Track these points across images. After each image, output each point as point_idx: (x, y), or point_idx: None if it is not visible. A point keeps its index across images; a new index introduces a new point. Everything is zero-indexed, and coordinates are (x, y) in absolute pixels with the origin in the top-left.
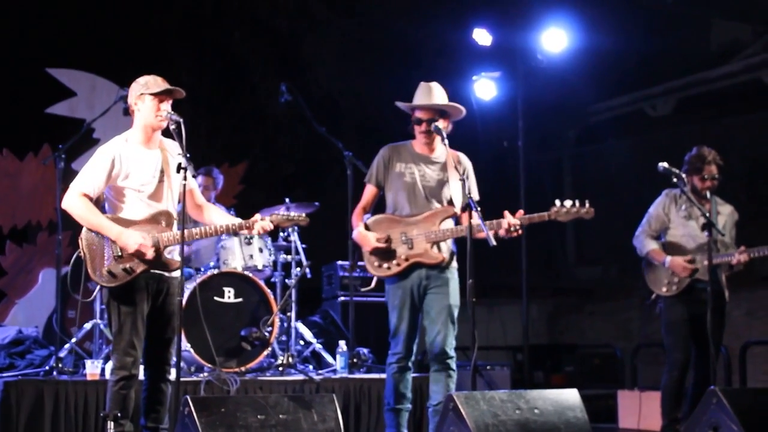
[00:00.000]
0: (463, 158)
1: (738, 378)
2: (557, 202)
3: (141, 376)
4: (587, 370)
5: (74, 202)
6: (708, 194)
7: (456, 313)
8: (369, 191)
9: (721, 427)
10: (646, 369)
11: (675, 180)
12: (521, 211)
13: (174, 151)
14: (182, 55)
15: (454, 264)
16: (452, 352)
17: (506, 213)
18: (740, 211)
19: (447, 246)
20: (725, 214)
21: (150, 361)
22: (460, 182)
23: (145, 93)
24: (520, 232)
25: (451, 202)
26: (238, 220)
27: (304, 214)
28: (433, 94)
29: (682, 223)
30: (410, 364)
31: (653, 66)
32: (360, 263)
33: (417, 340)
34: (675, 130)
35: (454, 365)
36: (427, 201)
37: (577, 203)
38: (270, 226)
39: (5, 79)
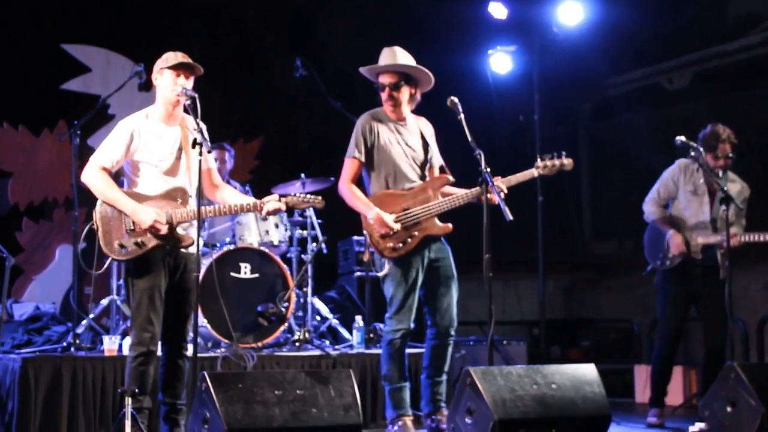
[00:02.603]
0: (428, 123)
1: (756, 353)
2: (538, 158)
3: (159, 351)
4: (604, 344)
5: (92, 175)
6: (721, 172)
7: (457, 282)
8: (354, 165)
9: (739, 402)
10: None
11: (692, 153)
12: (498, 177)
13: (192, 127)
14: (197, 30)
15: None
16: (455, 325)
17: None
18: (755, 185)
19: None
20: (734, 191)
21: (167, 336)
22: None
23: (164, 67)
24: (505, 193)
25: (431, 165)
26: (250, 200)
27: (320, 197)
28: (396, 56)
29: (687, 197)
30: None
31: (670, 39)
32: (371, 249)
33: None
34: (692, 103)
35: (454, 337)
36: (417, 171)
37: (556, 158)
38: (282, 207)
39: (20, 56)
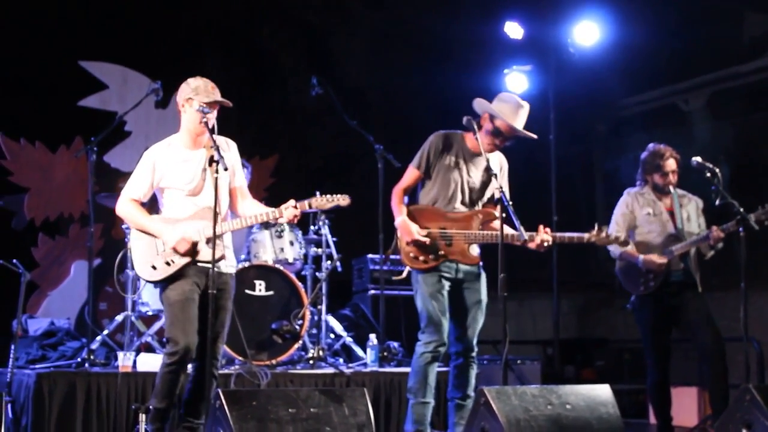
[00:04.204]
0: (503, 159)
1: None
2: (596, 226)
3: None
4: (618, 364)
5: (123, 206)
6: (671, 188)
7: (485, 308)
8: (413, 175)
9: (755, 424)
10: (677, 364)
11: (708, 174)
12: (548, 229)
13: (221, 147)
14: (213, 48)
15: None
16: (476, 347)
17: (541, 228)
18: None
19: (478, 246)
20: (686, 205)
21: (198, 354)
22: (493, 176)
23: (194, 98)
24: (549, 246)
25: (490, 202)
26: (269, 209)
27: (345, 195)
28: (520, 116)
29: (648, 220)
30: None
31: (685, 60)
32: (393, 256)
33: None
34: (707, 124)
35: (476, 358)
36: (469, 200)
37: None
38: (298, 213)
39: (38, 72)
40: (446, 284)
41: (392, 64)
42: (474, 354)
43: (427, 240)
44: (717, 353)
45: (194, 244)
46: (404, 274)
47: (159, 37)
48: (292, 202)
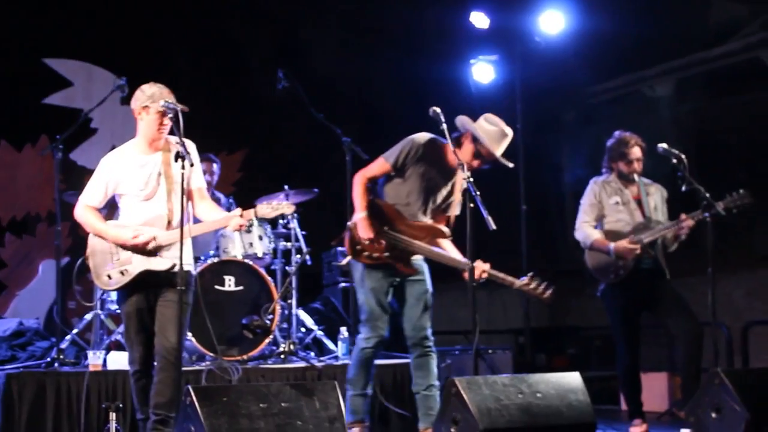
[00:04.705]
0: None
1: (740, 359)
2: (529, 276)
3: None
4: (589, 352)
5: (79, 212)
6: (635, 177)
7: (432, 298)
8: (383, 168)
9: (724, 407)
10: (646, 350)
11: (675, 161)
12: (489, 264)
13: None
14: (179, 42)
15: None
16: (431, 336)
17: (479, 262)
18: (737, 190)
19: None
20: (653, 193)
21: (157, 352)
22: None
23: (150, 105)
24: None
25: (443, 211)
26: (222, 215)
27: (289, 202)
28: (502, 145)
29: (615, 209)
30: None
31: (651, 47)
32: (339, 248)
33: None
34: (674, 110)
35: (433, 347)
36: (431, 210)
37: (543, 285)
38: (245, 223)
39: (1, 70)
40: (393, 280)
41: (360, 55)
42: (430, 344)
43: (381, 240)
44: (694, 336)
45: (153, 238)
46: (343, 262)
47: (124, 33)
48: (237, 211)
